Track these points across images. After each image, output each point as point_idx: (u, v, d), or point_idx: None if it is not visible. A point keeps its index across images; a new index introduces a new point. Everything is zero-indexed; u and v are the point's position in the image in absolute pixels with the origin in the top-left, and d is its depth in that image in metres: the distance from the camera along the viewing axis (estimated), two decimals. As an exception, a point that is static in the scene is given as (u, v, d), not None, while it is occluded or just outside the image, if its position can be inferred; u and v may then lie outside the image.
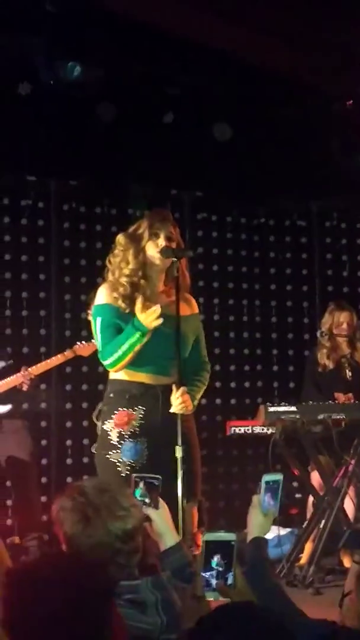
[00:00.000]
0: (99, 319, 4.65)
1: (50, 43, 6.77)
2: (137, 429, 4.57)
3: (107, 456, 4.56)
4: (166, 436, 4.51)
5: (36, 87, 7.04)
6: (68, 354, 6.61)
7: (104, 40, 6.79)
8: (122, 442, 4.55)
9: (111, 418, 4.60)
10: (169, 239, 4.66)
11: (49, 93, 7.03)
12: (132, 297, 4.60)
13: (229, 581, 2.60)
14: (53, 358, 6.67)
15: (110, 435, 4.58)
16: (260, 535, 3.11)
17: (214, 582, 2.59)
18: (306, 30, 6.69)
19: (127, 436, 4.55)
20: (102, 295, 4.67)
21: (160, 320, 4.47)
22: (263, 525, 3.13)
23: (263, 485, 3.15)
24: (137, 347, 4.51)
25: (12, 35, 6.64)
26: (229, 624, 2.06)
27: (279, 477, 3.23)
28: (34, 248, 7.70)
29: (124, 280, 4.62)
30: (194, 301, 4.86)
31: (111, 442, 4.57)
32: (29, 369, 6.47)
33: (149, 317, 4.48)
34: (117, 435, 4.56)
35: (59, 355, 6.67)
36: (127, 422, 4.57)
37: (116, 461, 4.54)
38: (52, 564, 2.22)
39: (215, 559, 2.61)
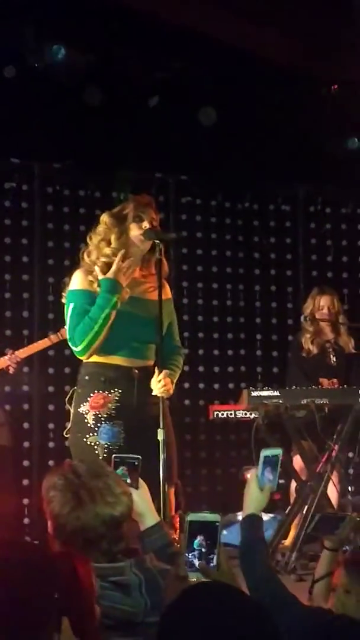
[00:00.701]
0: (71, 305, 4.63)
1: (35, 26, 6.72)
2: (114, 411, 4.55)
3: (85, 439, 4.55)
4: (142, 419, 4.51)
5: (21, 70, 6.99)
6: (54, 337, 6.57)
7: (88, 23, 6.75)
8: (99, 424, 4.54)
9: (87, 401, 4.58)
10: (151, 223, 4.67)
11: (34, 76, 7.00)
12: None
13: (213, 562, 2.59)
14: (40, 342, 6.63)
15: (86, 419, 4.57)
16: (256, 511, 3.08)
17: (196, 562, 2.59)
18: (293, 14, 6.66)
19: (103, 419, 4.54)
20: (77, 280, 4.65)
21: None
22: (260, 500, 3.10)
23: (262, 459, 3.13)
24: (113, 315, 4.50)
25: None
26: (203, 603, 2.04)
27: (278, 451, 3.21)
28: (17, 230, 7.68)
29: (102, 260, 4.60)
30: (167, 286, 4.85)
31: (88, 425, 4.56)
32: (15, 352, 6.44)
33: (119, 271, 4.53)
34: (94, 418, 4.55)
35: (45, 339, 6.63)
36: (103, 405, 4.56)
37: (93, 444, 4.53)
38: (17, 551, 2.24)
39: (199, 539, 2.61)
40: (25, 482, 7.31)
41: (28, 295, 7.67)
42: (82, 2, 6.48)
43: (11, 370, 6.47)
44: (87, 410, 4.57)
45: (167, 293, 4.82)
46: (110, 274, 4.55)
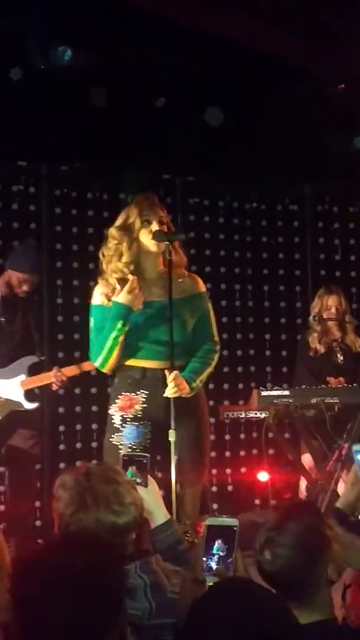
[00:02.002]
0: (91, 320, 4.72)
1: (41, 28, 6.73)
2: (140, 412, 4.63)
3: (111, 439, 4.64)
4: (169, 419, 4.53)
5: (28, 71, 7.00)
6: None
7: (95, 24, 6.75)
8: (125, 425, 4.61)
9: (115, 402, 4.69)
10: (160, 223, 4.67)
11: (41, 78, 7.00)
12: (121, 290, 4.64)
13: (231, 567, 2.59)
14: (86, 363, 6.44)
15: (113, 419, 4.67)
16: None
17: (214, 566, 2.59)
18: (298, 13, 6.66)
19: (129, 419, 4.62)
20: (96, 295, 4.76)
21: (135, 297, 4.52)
22: None
23: (356, 455, 3.09)
24: (121, 338, 4.53)
25: (3, 20, 6.60)
26: (227, 600, 2.06)
27: None
28: (25, 233, 7.67)
29: (116, 275, 4.63)
30: (197, 280, 4.86)
31: (114, 425, 4.66)
32: (62, 370, 6.38)
33: (126, 296, 4.51)
34: (120, 418, 4.65)
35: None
36: (130, 406, 4.64)
37: (118, 444, 4.59)
38: (60, 551, 2.18)
39: (217, 544, 2.61)
40: (37, 484, 7.31)
41: (37, 297, 7.68)
42: (88, 3, 6.47)
43: (55, 388, 6.44)
44: (115, 411, 4.65)
45: (197, 287, 4.84)
46: (121, 298, 4.55)
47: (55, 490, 2.91)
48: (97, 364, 4.69)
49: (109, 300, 4.65)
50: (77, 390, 7.60)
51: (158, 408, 4.61)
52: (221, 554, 2.60)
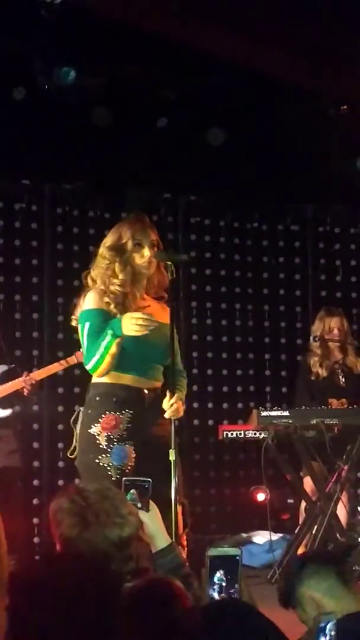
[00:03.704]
0: (87, 324, 4.63)
1: (45, 48, 6.76)
2: (125, 432, 4.56)
3: (97, 460, 4.54)
4: (153, 440, 4.51)
5: (31, 91, 7.03)
6: (70, 360, 6.54)
7: (99, 45, 6.79)
8: (111, 446, 4.55)
9: (98, 422, 4.57)
10: (152, 246, 4.67)
11: (44, 97, 7.03)
12: (123, 303, 4.61)
13: (235, 596, 2.58)
14: (54, 364, 6.57)
15: (98, 440, 4.55)
16: None
17: (216, 596, 2.58)
18: (302, 35, 6.69)
19: (115, 440, 4.54)
20: (92, 300, 4.64)
21: (140, 331, 4.46)
22: None
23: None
24: (113, 350, 4.50)
25: (7, 40, 6.63)
26: (223, 618, 2.06)
27: None
28: (27, 251, 7.70)
29: (116, 289, 4.61)
30: (167, 309, 4.86)
31: (100, 446, 4.54)
32: (30, 374, 6.41)
33: (129, 322, 4.48)
34: (106, 439, 4.55)
35: (61, 362, 6.59)
36: (115, 426, 4.55)
37: (105, 465, 4.52)
38: (55, 566, 2.19)
39: (219, 574, 2.61)
40: (35, 501, 7.31)
41: (38, 315, 7.70)
42: (92, 25, 6.51)
43: (26, 392, 6.45)
44: (99, 431, 4.56)
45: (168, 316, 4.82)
46: (128, 331, 4.53)
47: (53, 515, 2.90)
48: (88, 367, 4.62)
49: (108, 306, 4.61)
50: (77, 408, 7.58)
51: (142, 428, 4.58)
52: (223, 584, 2.59)
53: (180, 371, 4.85)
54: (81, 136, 7.25)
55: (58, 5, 6.21)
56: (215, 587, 2.59)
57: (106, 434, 4.54)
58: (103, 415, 4.58)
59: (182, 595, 2.44)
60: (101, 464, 4.53)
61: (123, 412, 4.57)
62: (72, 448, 4.72)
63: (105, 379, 4.63)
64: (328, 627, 2.64)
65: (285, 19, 6.52)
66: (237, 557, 2.62)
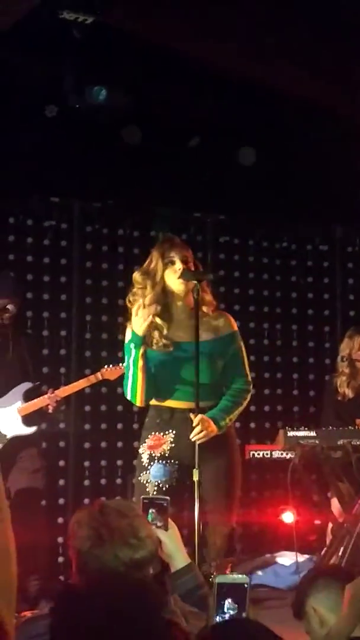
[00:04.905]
0: (126, 358, 4.74)
1: (77, 67, 6.81)
2: (168, 451, 4.66)
3: (139, 477, 4.69)
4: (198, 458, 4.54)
5: (62, 109, 7.08)
6: (93, 378, 6.54)
7: (130, 64, 6.83)
8: (151, 463, 4.65)
9: (145, 442, 4.72)
10: (185, 262, 4.68)
11: (75, 116, 7.07)
12: (155, 326, 4.67)
13: None
14: (79, 381, 6.58)
15: (142, 458, 4.71)
16: None
17: None
18: (331, 59, 6.70)
19: (156, 458, 4.64)
20: (127, 333, 4.73)
21: (144, 318, 4.52)
22: None
23: None
24: (141, 363, 4.55)
25: (40, 59, 6.69)
26: (232, 637, 2.06)
27: None
28: (56, 269, 7.72)
29: (145, 317, 4.64)
30: (229, 319, 4.86)
31: (142, 464, 4.70)
32: (55, 391, 6.42)
33: (134, 322, 4.53)
34: (147, 457, 4.69)
35: (85, 379, 6.60)
36: (158, 445, 4.71)
37: (144, 482, 4.63)
38: (97, 587, 2.18)
39: (227, 602, 2.59)
40: (60, 520, 7.30)
41: (66, 332, 7.71)
42: (124, 44, 6.55)
43: (50, 409, 6.45)
44: (144, 450, 4.69)
45: (227, 327, 4.83)
46: (137, 329, 4.57)
47: (71, 526, 2.89)
48: (128, 396, 4.75)
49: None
50: (104, 426, 7.62)
51: (186, 448, 4.62)
52: (232, 612, 2.58)
53: (240, 382, 4.83)
54: (111, 155, 7.28)
55: (89, 25, 6.25)
56: (225, 615, 2.57)
57: (148, 452, 4.68)
58: (149, 436, 4.73)
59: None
60: (142, 480, 4.67)
61: (166, 432, 4.67)
62: None
63: (153, 402, 4.79)
64: None
65: (317, 43, 6.52)
66: (245, 585, 2.60)
